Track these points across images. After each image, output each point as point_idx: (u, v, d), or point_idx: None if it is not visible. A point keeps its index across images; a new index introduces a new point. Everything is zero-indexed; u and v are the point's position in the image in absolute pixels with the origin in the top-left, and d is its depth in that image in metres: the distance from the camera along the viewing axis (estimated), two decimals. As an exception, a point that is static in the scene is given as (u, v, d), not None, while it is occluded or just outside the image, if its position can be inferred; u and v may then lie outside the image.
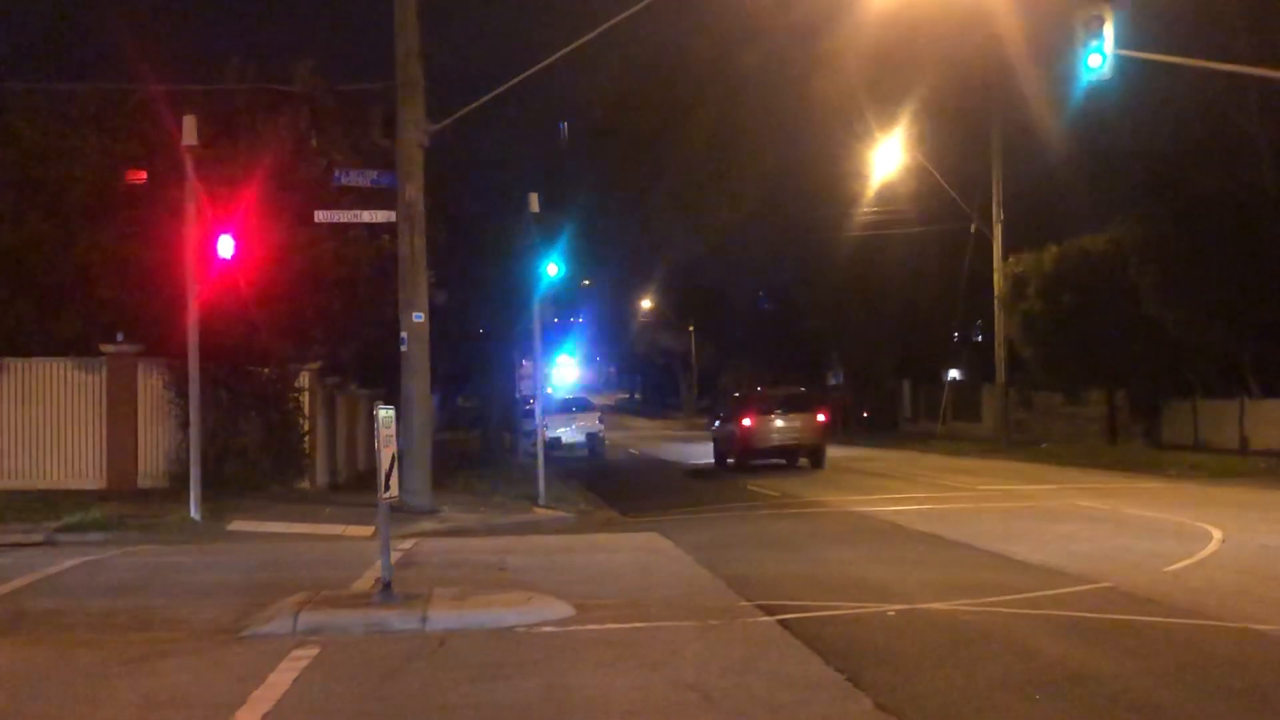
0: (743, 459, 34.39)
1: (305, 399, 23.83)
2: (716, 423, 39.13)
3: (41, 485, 22.03)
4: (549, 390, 51.56)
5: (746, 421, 33.90)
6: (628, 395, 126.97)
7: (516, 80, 21.47)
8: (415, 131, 21.20)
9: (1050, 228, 40.46)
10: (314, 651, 9.47)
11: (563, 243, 29.69)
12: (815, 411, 34.68)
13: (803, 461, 34.24)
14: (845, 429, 55.62)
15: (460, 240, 31.83)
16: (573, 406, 52.81)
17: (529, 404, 39.10)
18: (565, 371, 79.98)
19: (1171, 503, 21.11)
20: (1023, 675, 8.63)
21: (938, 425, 52.06)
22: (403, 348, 21.13)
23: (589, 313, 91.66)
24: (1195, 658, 9.19)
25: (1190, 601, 11.29)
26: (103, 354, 22.79)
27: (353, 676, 8.82)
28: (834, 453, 36.51)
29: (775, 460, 34.46)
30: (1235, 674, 8.70)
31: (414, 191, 21.13)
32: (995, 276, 41.88)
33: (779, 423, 33.92)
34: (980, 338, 51.81)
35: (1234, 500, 21.84)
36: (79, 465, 22.75)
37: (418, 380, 21.30)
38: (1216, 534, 16.28)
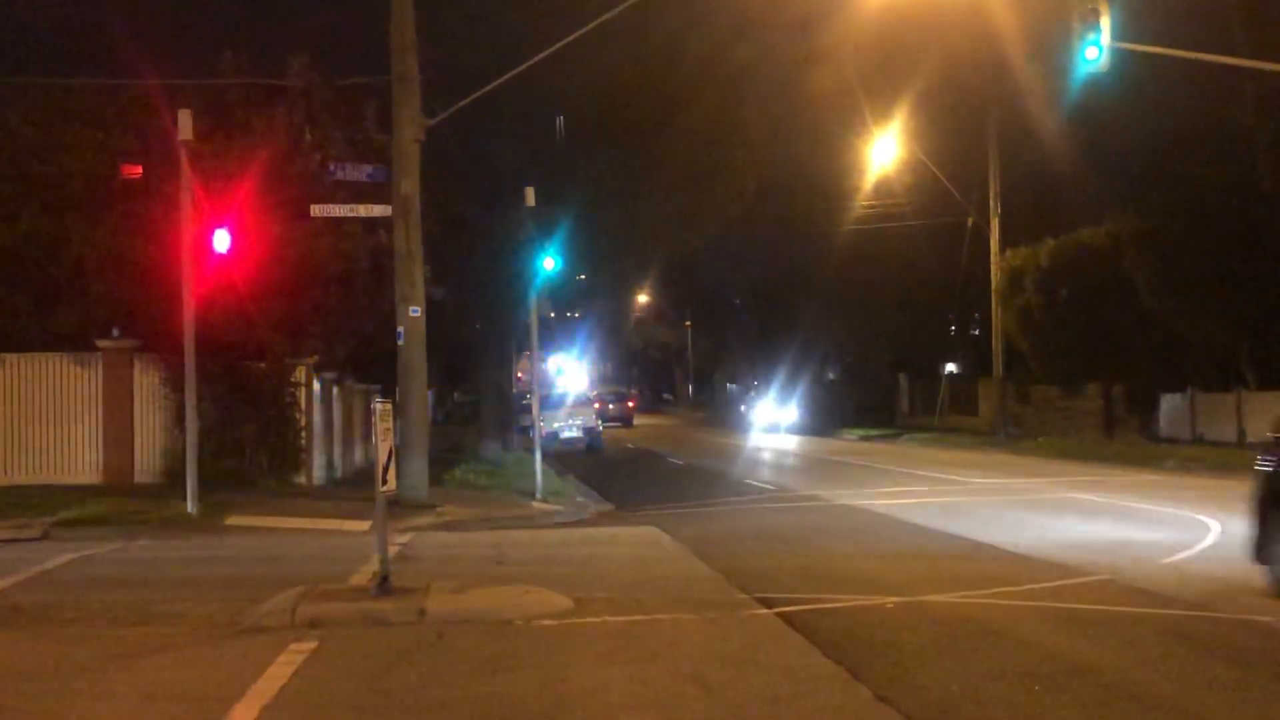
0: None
1: (301, 394, 23.79)
2: (595, 406, 63.98)
3: (38, 480, 21.97)
4: (557, 385, 60.35)
5: (596, 405, 59.22)
6: (623, 390, 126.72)
7: (512, 74, 21.43)
8: (411, 126, 21.15)
9: (1047, 221, 40.44)
10: (312, 645, 9.46)
11: (559, 237, 29.59)
12: (627, 401, 75.27)
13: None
14: (838, 423, 55.70)
15: (456, 235, 31.76)
16: (570, 401, 52.82)
17: (526, 399, 39.12)
18: (568, 375, 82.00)
19: (1169, 495, 21.13)
20: (1021, 667, 8.62)
21: (935, 419, 52.06)
22: (399, 342, 21.10)
23: (584, 308, 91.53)
24: (1193, 649, 9.19)
25: (1188, 593, 11.30)
26: (99, 349, 22.73)
27: (351, 669, 8.81)
28: (828, 445, 41.28)
29: (614, 423, 63.88)
30: (1233, 665, 8.70)
31: (410, 186, 21.09)
32: (992, 270, 41.86)
33: (610, 406, 67.86)
34: (977, 331, 51.80)
35: (1232, 493, 21.77)
36: (75, 460, 22.69)
37: (414, 375, 21.27)
38: (1215, 526, 16.31)
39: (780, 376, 68.47)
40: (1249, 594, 11.30)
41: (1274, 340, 33.52)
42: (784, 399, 64.87)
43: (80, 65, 24.27)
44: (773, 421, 60.58)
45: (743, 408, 69.39)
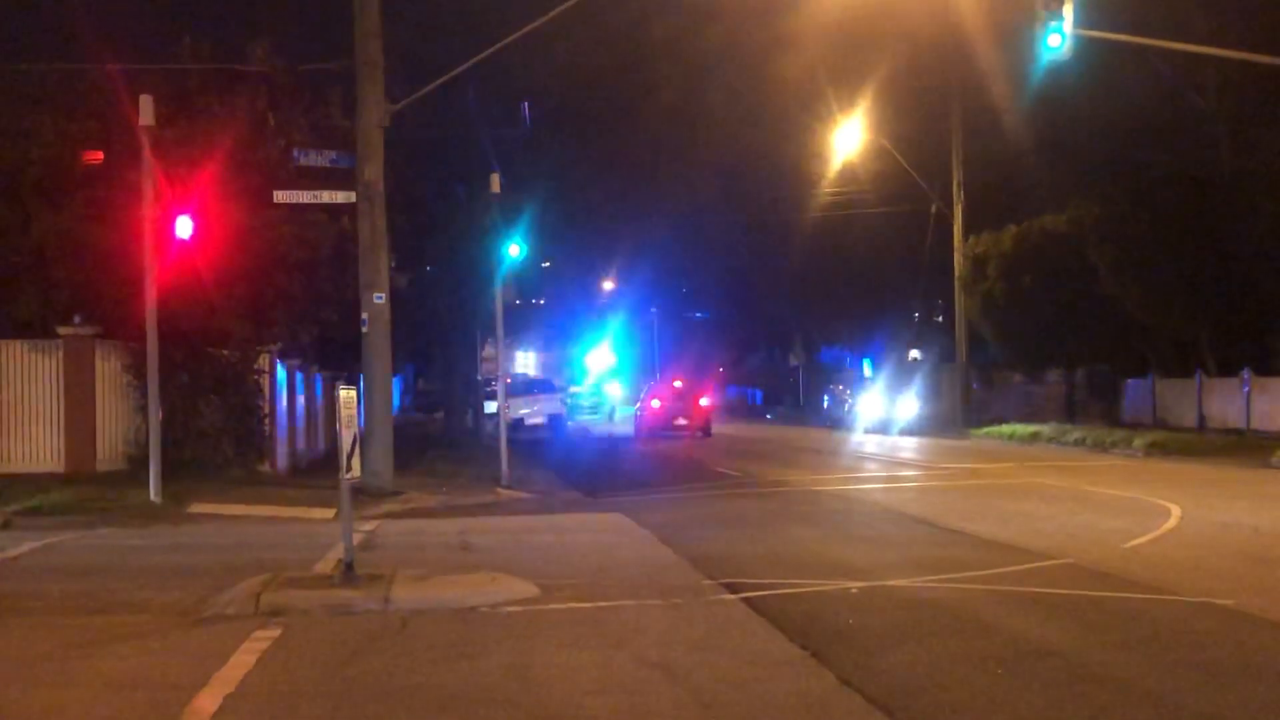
0: None
1: (265, 381, 23.67)
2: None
3: (-2, 469, 21.78)
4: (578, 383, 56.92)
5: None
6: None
7: (477, 60, 21.37)
8: (375, 112, 21.04)
9: (1010, 208, 40.60)
10: (276, 633, 9.42)
11: (524, 224, 29.57)
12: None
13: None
14: (801, 409, 55.83)
15: (421, 222, 31.65)
16: (535, 388, 52.81)
17: (491, 386, 39.11)
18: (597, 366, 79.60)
19: (1130, 480, 21.29)
20: (984, 650, 8.68)
21: (899, 405, 52.19)
22: (364, 329, 21.01)
23: (549, 296, 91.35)
24: (1155, 632, 9.28)
25: (1149, 577, 11.39)
26: (59, 336, 22.52)
27: (315, 657, 8.78)
28: (793, 433, 42.30)
29: None
30: (1194, 647, 8.78)
31: (373, 172, 20.99)
32: (955, 257, 41.99)
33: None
34: (941, 318, 51.99)
35: (1192, 477, 22.04)
36: (36, 448, 22.47)
37: (379, 362, 21.20)
38: (1175, 510, 16.44)
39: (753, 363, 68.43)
40: (1208, 577, 11.41)
41: (1233, 327, 33.82)
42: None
43: (40, 50, 24.00)
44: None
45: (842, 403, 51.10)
